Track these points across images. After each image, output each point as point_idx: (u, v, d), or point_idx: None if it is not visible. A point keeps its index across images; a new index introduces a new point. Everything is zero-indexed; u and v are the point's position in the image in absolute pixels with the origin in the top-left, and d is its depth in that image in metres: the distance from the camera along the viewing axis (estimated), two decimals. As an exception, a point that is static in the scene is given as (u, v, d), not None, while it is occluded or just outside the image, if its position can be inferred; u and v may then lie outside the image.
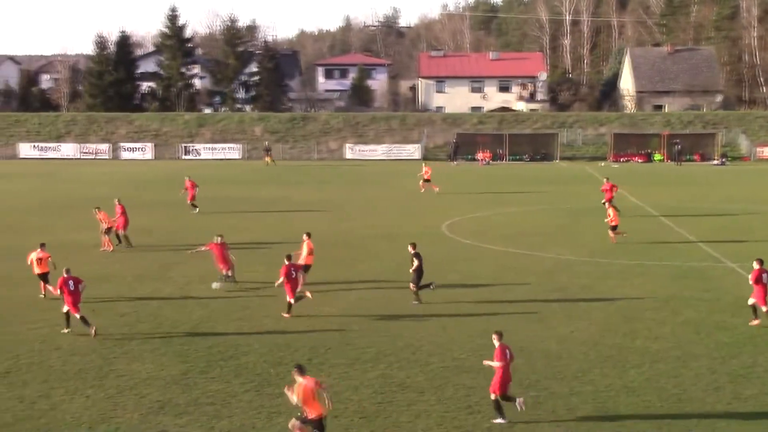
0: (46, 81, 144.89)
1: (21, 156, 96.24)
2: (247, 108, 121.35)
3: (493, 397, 19.68)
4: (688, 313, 28.73)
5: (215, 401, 20.98)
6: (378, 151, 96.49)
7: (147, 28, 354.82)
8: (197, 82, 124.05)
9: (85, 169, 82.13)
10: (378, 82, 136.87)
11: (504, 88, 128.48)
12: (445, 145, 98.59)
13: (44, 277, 30.84)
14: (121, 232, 41.02)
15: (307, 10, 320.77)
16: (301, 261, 31.69)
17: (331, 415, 20.00)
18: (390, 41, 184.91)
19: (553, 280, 33.97)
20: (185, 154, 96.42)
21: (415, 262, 30.08)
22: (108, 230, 40.63)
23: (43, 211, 52.76)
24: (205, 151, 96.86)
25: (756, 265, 27.18)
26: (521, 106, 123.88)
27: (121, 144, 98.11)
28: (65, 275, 26.46)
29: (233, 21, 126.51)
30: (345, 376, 22.69)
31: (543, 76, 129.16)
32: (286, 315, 28.21)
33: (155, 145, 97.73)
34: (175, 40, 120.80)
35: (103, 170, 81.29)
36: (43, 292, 30.79)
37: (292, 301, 28.27)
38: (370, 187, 67.56)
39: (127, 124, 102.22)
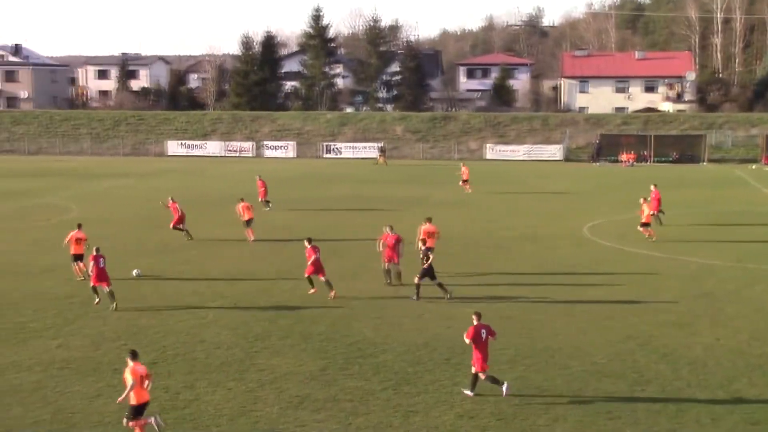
0: (194, 80, 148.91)
1: (169, 153, 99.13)
2: (389, 107, 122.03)
3: (473, 371, 21.17)
4: (843, 323, 27.48)
5: (353, 398, 21.10)
6: (519, 152, 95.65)
7: (292, 28, 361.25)
8: (339, 82, 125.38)
9: (229, 167, 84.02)
10: (520, 82, 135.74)
11: (649, 89, 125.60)
12: (587, 146, 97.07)
13: (79, 257, 33.10)
14: (181, 226, 42.40)
15: (449, 9, 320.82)
16: (420, 246, 33.39)
17: (467, 416, 19.91)
18: (533, 41, 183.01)
19: (699, 285, 32.97)
20: (326, 153, 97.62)
21: (430, 257, 30.60)
22: (248, 221, 42.25)
23: (189, 208, 54.06)
24: (346, 149, 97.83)
25: None
26: (667, 107, 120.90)
27: (265, 142, 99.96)
28: (95, 253, 29.44)
29: (376, 21, 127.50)
30: (482, 377, 22.51)
31: (691, 75, 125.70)
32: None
33: (297, 144, 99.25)
34: (319, 40, 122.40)
35: (246, 168, 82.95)
36: (80, 275, 32.97)
37: (324, 279, 30.60)
38: (510, 187, 66.99)
39: (270, 122, 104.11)
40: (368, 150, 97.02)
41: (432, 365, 23.48)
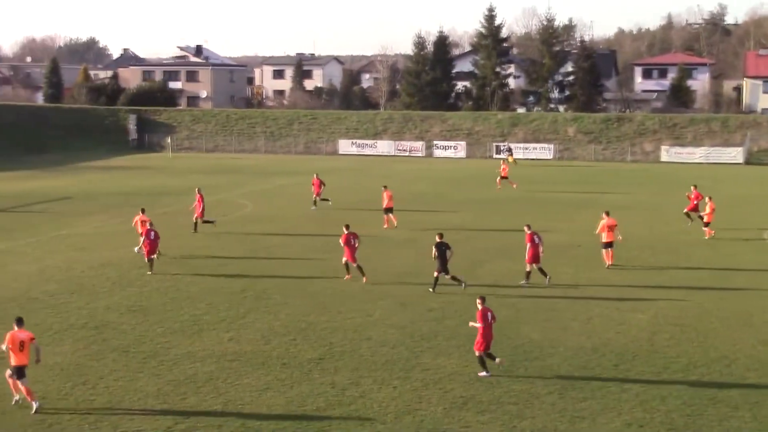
0: (366, 80, 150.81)
1: (340, 152, 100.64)
2: (561, 108, 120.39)
3: (477, 354, 22.69)
4: None
5: (518, 401, 20.86)
6: (696, 155, 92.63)
7: (464, 28, 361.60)
8: (511, 82, 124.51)
9: (399, 166, 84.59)
10: (699, 82, 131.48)
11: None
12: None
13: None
14: (199, 219, 43.66)
15: (626, 8, 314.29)
16: (603, 239, 35.66)
17: (636, 424, 19.38)
18: (714, 39, 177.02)
19: None
20: (496, 154, 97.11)
21: (433, 251, 31.75)
22: (388, 209, 45.36)
23: (357, 206, 54.74)
24: (516, 150, 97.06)
25: None
26: None
27: (435, 142, 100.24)
28: (148, 227, 35.10)
29: (550, 20, 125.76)
30: (652, 385, 21.89)
31: None
32: (356, 277, 32.85)
33: (467, 144, 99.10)
34: (491, 40, 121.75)
35: (416, 167, 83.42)
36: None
37: (354, 264, 32.96)
38: (686, 191, 64.82)
39: (441, 122, 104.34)
40: (539, 151, 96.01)
41: (600, 370, 22.98)
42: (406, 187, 64.73)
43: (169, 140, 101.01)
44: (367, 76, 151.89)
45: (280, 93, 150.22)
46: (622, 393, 21.27)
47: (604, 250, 36.28)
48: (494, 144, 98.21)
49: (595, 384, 22.00)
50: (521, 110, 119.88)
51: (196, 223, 43.89)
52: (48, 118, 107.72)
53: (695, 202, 46.58)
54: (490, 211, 51.97)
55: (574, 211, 52.25)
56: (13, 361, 20.25)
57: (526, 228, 33.45)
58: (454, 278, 31.63)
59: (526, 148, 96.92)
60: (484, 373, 22.56)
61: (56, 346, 25.04)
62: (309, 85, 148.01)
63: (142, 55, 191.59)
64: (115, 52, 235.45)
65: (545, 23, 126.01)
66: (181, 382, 22.11)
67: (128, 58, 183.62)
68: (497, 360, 22.83)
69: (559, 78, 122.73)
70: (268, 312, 28.79)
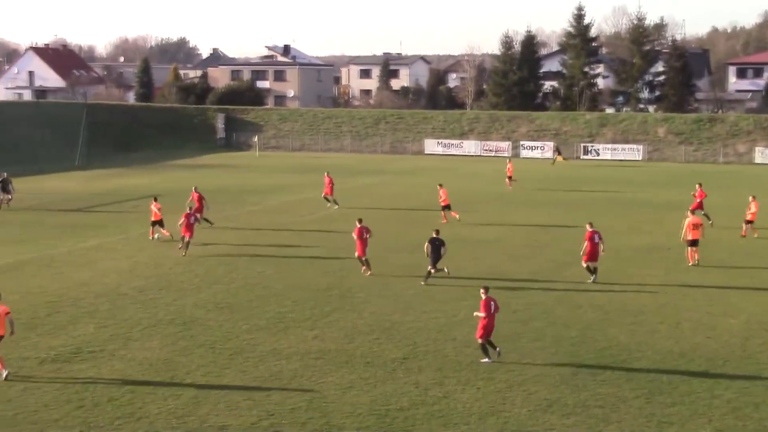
0: (452, 80, 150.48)
1: (426, 152, 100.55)
2: (651, 108, 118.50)
3: (479, 342, 23.61)
4: None
5: (604, 405, 20.55)
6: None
7: (552, 27, 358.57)
8: (600, 82, 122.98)
9: (485, 166, 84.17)
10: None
11: None
12: None
13: (158, 223, 41.31)
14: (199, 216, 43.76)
15: (720, 6, 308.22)
16: (689, 237, 35.60)
17: (727, 431, 18.92)
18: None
19: None
20: (584, 154, 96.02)
21: (427, 246, 32.75)
22: (446, 207, 46.84)
23: (434, 206, 54.55)
24: (605, 151, 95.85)
25: None
26: None
27: (522, 142, 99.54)
28: (189, 210, 39.17)
29: (640, 19, 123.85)
30: (744, 391, 21.38)
31: None
32: (366, 271, 34.18)
33: (555, 144, 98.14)
34: (580, 39, 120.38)
35: (503, 167, 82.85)
36: (153, 237, 41.55)
37: (362, 257, 34.27)
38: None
39: (528, 122, 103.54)
40: (628, 152, 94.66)
41: (688, 375, 22.54)
42: (491, 187, 64.43)
43: (256, 139, 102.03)
44: (453, 75, 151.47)
45: (366, 92, 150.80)
46: (713, 399, 20.80)
47: (689, 248, 35.80)
48: (582, 144, 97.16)
49: (683, 389, 21.56)
50: (610, 110, 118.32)
51: (206, 219, 45.09)
52: (139, 117, 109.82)
53: (699, 201, 47.71)
54: (577, 212, 51.29)
55: (663, 213, 51.32)
56: None
57: (587, 226, 33.64)
58: (439, 270, 32.89)
59: (615, 149, 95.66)
60: (486, 360, 23.50)
61: (145, 341, 25.44)
62: (395, 84, 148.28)
63: (230, 54, 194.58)
64: (205, 52, 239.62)
65: (636, 22, 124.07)
66: (266, 378, 22.29)
67: (217, 58, 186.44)
68: (497, 349, 23.67)
69: (649, 78, 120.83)
70: (353, 310, 28.87)
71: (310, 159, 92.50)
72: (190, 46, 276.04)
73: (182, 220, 38.12)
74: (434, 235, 32.86)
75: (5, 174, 53.76)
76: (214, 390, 21.44)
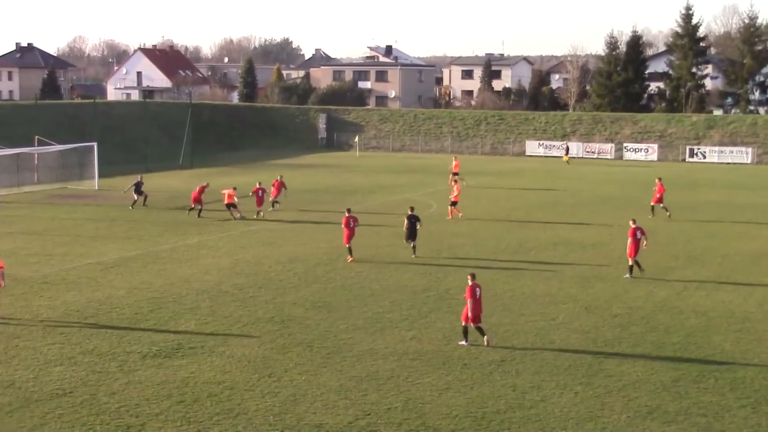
0: (555, 81, 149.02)
1: (527, 153, 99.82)
2: (761, 110, 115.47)
3: (463, 324, 24.98)
4: None
5: (707, 413, 20.05)
6: None
7: (659, 27, 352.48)
8: (708, 83, 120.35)
9: (587, 168, 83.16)
10: None
11: None
12: None
13: (231, 206, 47.55)
14: (271, 198, 50.57)
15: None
16: None
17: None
18: None
19: None
20: (690, 157, 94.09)
21: (405, 222, 36.94)
22: (453, 203, 47.87)
23: (546, 207, 54.11)
24: (711, 153, 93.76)
25: None
26: None
27: (625, 144, 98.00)
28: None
29: (752, 18, 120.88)
30: None
31: None
32: (348, 258, 36.32)
33: (659, 146, 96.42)
34: (688, 40, 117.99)
35: (605, 170, 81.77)
36: (233, 216, 47.43)
37: (347, 244, 36.60)
38: None
39: (632, 124, 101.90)
40: (736, 155, 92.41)
41: None
42: (593, 189, 63.59)
43: (357, 139, 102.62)
44: (556, 76, 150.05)
45: (468, 93, 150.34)
46: (821, 411, 20.13)
47: None
48: (688, 147, 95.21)
49: (790, 400, 20.90)
50: (717, 112, 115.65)
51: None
52: (242, 117, 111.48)
53: (658, 195, 49.04)
54: (682, 216, 50.25)
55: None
56: None
57: (631, 222, 34.41)
58: (414, 247, 36.89)
59: (722, 152, 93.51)
60: (463, 342, 24.96)
61: (244, 338, 25.74)
62: (497, 85, 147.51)
63: (333, 55, 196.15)
64: (308, 53, 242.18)
65: (747, 21, 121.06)
66: (362, 378, 22.33)
67: (320, 59, 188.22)
68: (485, 338, 24.83)
69: (760, 79, 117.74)
70: (450, 312, 28.74)
71: (410, 159, 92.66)
72: (293, 46, 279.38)
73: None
74: (410, 212, 37.16)
75: (140, 177, 55.66)
76: (311, 388, 21.55)
